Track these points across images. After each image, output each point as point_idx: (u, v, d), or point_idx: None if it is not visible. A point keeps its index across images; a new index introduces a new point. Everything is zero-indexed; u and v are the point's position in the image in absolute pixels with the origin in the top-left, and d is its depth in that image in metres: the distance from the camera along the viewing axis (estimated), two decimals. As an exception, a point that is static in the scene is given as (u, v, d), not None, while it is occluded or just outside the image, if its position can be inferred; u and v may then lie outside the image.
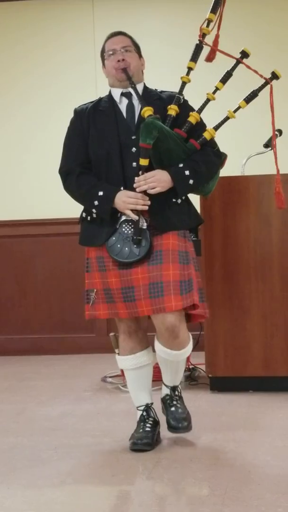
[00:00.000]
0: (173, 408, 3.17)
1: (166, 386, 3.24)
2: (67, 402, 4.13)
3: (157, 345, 3.16)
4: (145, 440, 3.14)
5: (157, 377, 3.40)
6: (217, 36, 3.27)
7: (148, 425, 3.20)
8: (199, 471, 2.87)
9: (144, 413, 3.23)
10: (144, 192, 3.03)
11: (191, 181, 3.07)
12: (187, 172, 3.06)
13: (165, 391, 3.24)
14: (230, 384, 4.12)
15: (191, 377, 4.39)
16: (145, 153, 3.00)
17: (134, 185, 3.03)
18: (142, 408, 3.25)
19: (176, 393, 3.22)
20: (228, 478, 2.75)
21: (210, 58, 3.28)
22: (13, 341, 5.78)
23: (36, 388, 4.54)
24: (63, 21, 5.79)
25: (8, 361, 5.52)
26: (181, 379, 3.28)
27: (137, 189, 3.03)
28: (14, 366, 5.35)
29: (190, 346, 3.19)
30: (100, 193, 3.07)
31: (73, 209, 3.45)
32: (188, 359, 3.28)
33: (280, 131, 4.23)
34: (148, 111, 3.04)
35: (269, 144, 4.22)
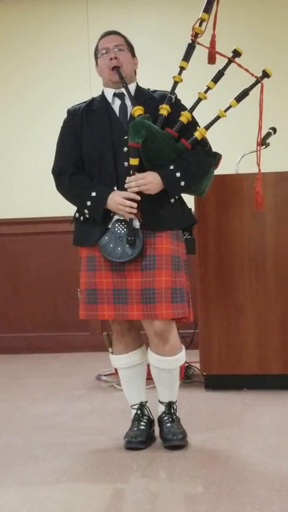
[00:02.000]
0: (168, 425, 3.14)
1: (162, 403, 3.20)
2: (61, 400, 4.13)
3: (150, 354, 3.16)
4: (139, 438, 3.14)
5: (151, 376, 3.39)
6: (213, 36, 3.24)
7: (142, 423, 3.20)
8: (194, 469, 2.87)
9: (139, 412, 3.23)
10: (137, 192, 3.02)
11: (182, 183, 3.06)
12: (178, 174, 3.04)
13: (161, 409, 3.20)
14: (225, 382, 4.12)
15: (186, 375, 4.39)
16: (134, 153, 2.98)
17: (125, 186, 3.02)
18: (136, 406, 3.24)
19: (172, 411, 3.18)
20: (223, 476, 2.75)
21: (211, 60, 3.25)
22: (6, 339, 5.77)
23: (30, 387, 4.53)
24: (57, 19, 5.78)
25: (1, 360, 5.51)
26: (176, 395, 3.22)
27: (128, 190, 3.02)
28: (7, 364, 5.35)
29: (182, 354, 3.18)
30: (93, 194, 3.06)
31: (66, 208, 3.44)
32: (181, 371, 3.25)
33: (274, 129, 4.24)
34: (138, 111, 3.02)
35: (263, 142, 4.22)
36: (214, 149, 3.20)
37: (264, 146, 4.18)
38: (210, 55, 3.22)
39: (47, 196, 5.26)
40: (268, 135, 4.19)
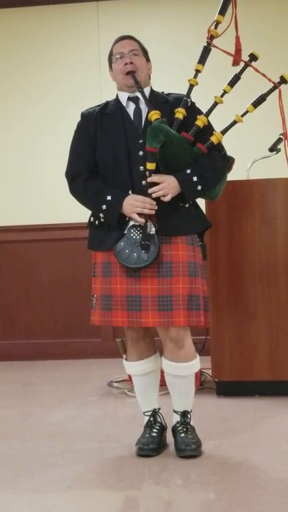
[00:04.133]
0: (182, 435, 3.12)
1: (176, 412, 3.18)
2: (73, 407, 4.13)
3: (164, 361, 3.15)
4: (151, 445, 3.13)
5: (164, 382, 3.39)
6: (237, 38, 3.24)
7: (154, 430, 3.19)
8: (206, 476, 2.86)
9: (151, 418, 3.22)
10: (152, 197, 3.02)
11: (199, 187, 3.06)
12: (195, 178, 3.04)
13: (176, 418, 3.18)
14: (236, 389, 4.11)
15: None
16: (151, 157, 2.99)
17: (149, 191, 3.00)
18: (149, 413, 3.24)
19: (187, 420, 3.15)
20: (235, 483, 2.74)
21: (236, 62, 3.24)
22: (18, 346, 5.78)
23: (41, 393, 4.53)
24: (68, 26, 5.80)
25: (13, 366, 5.51)
26: (191, 404, 3.19)
27: (153, 195, 3.00)
28: (19, 371, 5.35)
29: (197, 361, 3.17)
30: (108, 198, 3.05)
31: (78, 214, 3.45)
32: (197, 379, 3.24)
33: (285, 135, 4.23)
34: (155, 115, 3.02)
35: (274, 148, 4.22)
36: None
37: (275, 152, 4.18)
38: (235, 57, 3.21)
39: (59, 203, 5.28)
40: (279, 141, 4.19)
